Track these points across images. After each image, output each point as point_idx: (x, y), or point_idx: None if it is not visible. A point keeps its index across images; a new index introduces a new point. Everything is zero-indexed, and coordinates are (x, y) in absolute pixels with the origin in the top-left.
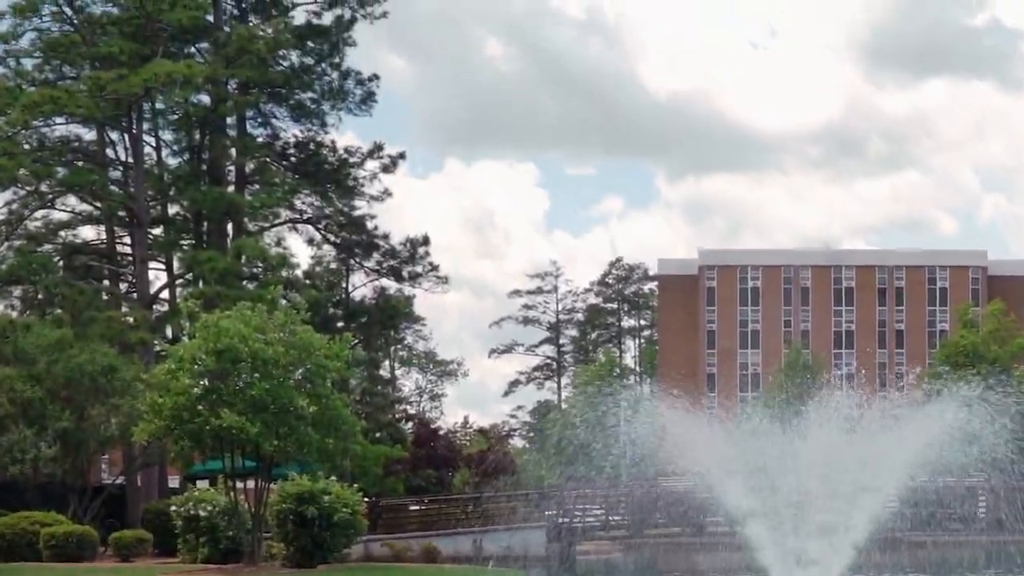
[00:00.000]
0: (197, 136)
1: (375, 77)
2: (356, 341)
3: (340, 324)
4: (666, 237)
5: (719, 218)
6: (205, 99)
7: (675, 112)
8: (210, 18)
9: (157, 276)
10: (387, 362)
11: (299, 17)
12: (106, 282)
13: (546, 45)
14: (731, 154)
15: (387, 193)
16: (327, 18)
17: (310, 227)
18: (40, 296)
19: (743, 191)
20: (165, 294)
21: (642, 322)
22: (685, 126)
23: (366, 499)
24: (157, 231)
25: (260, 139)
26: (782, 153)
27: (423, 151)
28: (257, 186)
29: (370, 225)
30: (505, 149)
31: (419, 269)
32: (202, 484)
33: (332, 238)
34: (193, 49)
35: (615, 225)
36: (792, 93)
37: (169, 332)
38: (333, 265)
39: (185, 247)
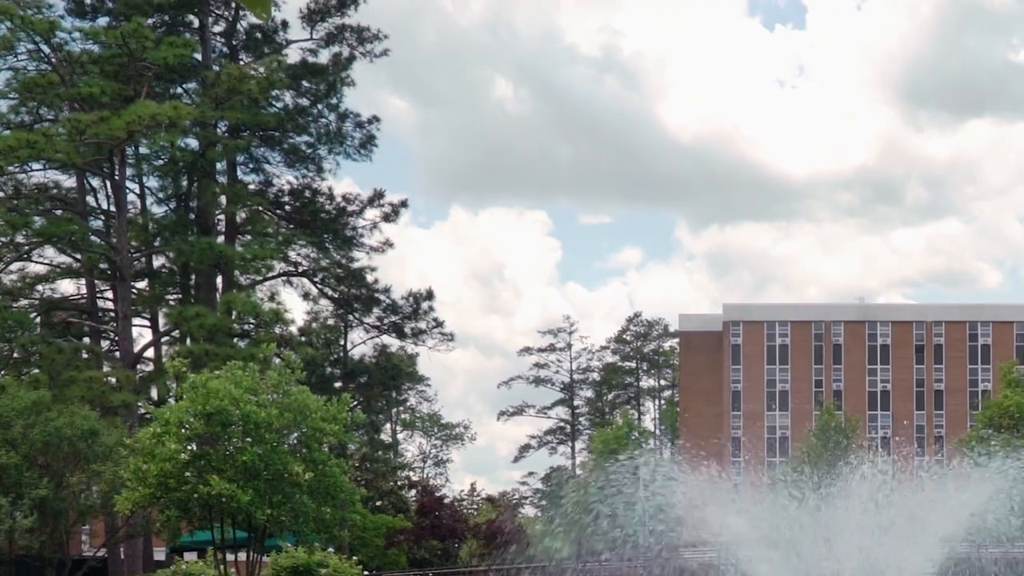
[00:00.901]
0: (184, 183)
1: (375, 119)
2: (355, 402)
3: (338, 384)
4: (688, 291)
5: (745, 270)
6: (193, 143)
7: (697, 156)
8: (198, 56)
9: (141, 333)
10: (388, 425)
11: (293, 55)
12: (87, 340)
13: (558, 85)
14: (757, 201)
15: (388, 244)
16: (324, 56)
17: (306, 280)
18: (16, 355)
19: (770, 241)
20: (150, 352)
21: (662, 382)
22: (708, 171)
23: (366, 572)
24: (141, 285)
25: (252, 186)
26: (812, 200)
27: (427, 199)
28: (249, 236)
29: (370, 278)
30: (515, 196)
31: (423, 325)
32: (190, 556)
33: (329, 292)
34: (180, 89)
35: (633, 278)
36: (823, 135)
37: (154, 393)
38: (330, 321)
39: (171, 302)
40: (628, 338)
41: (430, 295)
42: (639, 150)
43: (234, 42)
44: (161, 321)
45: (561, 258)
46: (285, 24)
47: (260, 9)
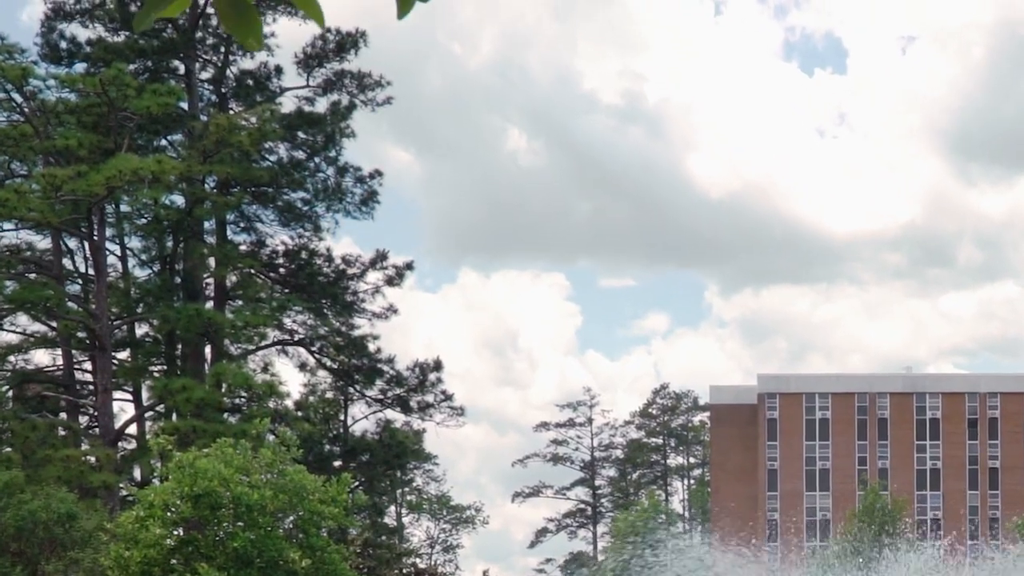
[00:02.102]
0: (169, 243)
1: (377, 173)
2: (357, 483)
3: (338, 463)
4: (719, 360)
5: (781, 338)
6: (178, 200)
7: (729, 213)
8: (184, 105)
9: (123, 408)
10: (393, 508)
11: (288, 104)
12: (63, 415)
13: (576, 135)
14: (795, 262)
15: (392, 310)
16: (321, 105)
17: (302, 350)
18: None
19: (809, 306)
20: (132, 429)
21: (692, 460)
22: (741, 229)
23: None
24: (123, 355)
25: (243, 247)
26: (855, 261)
27: (434, 260)
28: (240, 302)
29: (372, 347)
30: (529, 257)
31: (430, 399)
32: None
33: (328, 362)
34: (164, 141)
35: (659, 346)
36: (866, 190)
37: (137, 473)
38: (329, 394)
39: (155, 374)
40: (654, 412)
41: (438, 365)
42: (665, 206)
43: (223, 89)
44: (144, 394)
45: (580, 325)
46: (279, 70)
47: (251, 39)
